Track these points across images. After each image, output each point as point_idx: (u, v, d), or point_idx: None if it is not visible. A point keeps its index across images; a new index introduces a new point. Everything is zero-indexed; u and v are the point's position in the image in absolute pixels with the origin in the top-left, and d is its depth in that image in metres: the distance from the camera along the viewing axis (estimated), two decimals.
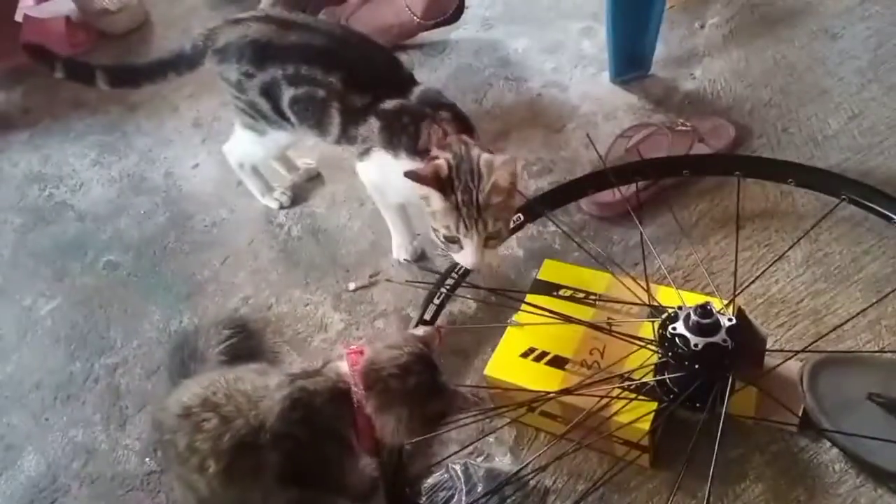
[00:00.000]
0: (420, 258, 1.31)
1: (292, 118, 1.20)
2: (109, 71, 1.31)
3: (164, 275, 1.38)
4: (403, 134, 1.09)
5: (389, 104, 1.11)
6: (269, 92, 1.19)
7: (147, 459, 1.13)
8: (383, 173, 1.16)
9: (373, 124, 1.11)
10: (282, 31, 1.17)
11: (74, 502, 1.11)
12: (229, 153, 1.38)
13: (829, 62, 1.49)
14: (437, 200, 1.02)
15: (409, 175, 1.02)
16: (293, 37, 1.16)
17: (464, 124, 1.10)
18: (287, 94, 1.17)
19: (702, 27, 1.64)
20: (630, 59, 1.51)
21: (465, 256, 1.07)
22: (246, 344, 1.22)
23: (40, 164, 1.64)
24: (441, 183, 1.01)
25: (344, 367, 0.90)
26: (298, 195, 1.46)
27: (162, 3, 2.03)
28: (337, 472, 0.90)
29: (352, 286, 1.29)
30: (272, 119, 1.23)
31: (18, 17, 1.88)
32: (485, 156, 1.03)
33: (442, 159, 1.03)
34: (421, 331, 0.93)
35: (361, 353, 0.90)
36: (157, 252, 1.42)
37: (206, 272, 1.37)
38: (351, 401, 0.86)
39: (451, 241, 1.06)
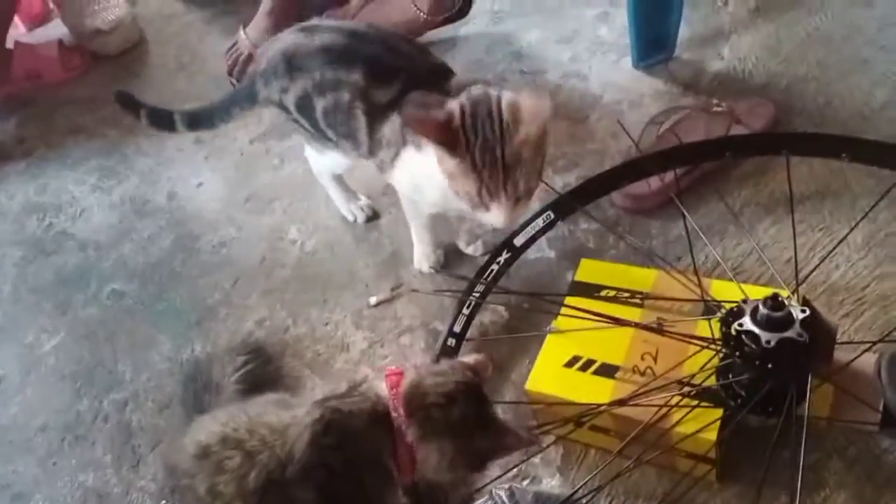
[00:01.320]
0: (443, 267, 1.22)
1: (329, 133, 1.11)
2: (186, 115, 1.30)
3: (172, 301, 1.29)
4: None
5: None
6: (304, 107, 1.10)
7: (163, 502, 1.04)
8: (414, 180, 1.05)
9: (395, 122, 1.00)
10: (308, 37, 1.08)
11: None
12: (309, 159, 1.29)
13: (867, 30, 1.39)
14: (448, 160, 0.88)
15: (409, 119, 0.87)
16: (317, 40, 1.07)
17: None
18: (318, 106, 1.08)
19: (725, 4, 1.55)
20: (653, 43, 1.42)
21: (493, 218, 0.93)
22: (263, 370, 1.13)
23: (38, 194, 1.56)
24: (451, 136, 0.86)
25: (383, 388, 0.79)
26: (312, 208, 1.37)
27: (157, 21, 1.96)
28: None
29: (373, 301, 1.21)
30: (317, 137, 1.15)
31: (10, 45, 1.82)
32: (507, 95, 0.87)
33: (454, 103, 0.88)
34: (471, 358, 0.83)
35: (401, 374, 0.80)
36: (164, 277, 1.33)
37: (217, 295, 1.28)
38: (391, 426, 0.76)
39: (475, 205, 0.93)
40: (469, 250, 1.23)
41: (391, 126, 1.01)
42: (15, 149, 1.68)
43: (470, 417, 0.76)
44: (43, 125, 1.72)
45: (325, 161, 1.23)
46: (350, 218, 1.32)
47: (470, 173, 0.88)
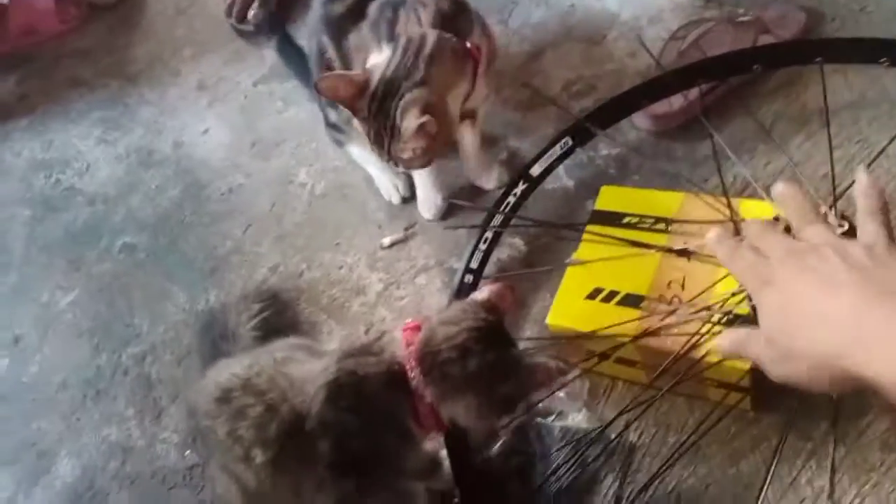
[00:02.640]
0: (447, 216, 1.17)
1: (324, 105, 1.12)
2: (280, 41, 1.37)
3: (184, 252, 1.27)
4: (382, 21, 0.96)
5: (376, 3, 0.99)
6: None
7: (187, 452, 1.04)
8: None
9: (362, 28, 0.99)
10: None
11: None
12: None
13: None
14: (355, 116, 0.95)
15: (320, 83, 0.91)
16: None
17: (455, 15, 0.96)
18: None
19: None
20: None
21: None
22: (280, 317, 1.11)
23: (43, 151, 1.53)
24: (357, 102, 0.91)
25: (400, 343, 0.75)
26: (320, 150, 1.32)
27: None
28: (395, 461, 0.78)
29: (386, 242, 1.17)
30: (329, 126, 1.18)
31: (4, 0, 1.76)
32: (406, 98, 0.89)
33: (375, 67, 0.91)
34: (486, 292, 0.77)
35: (419, 328, 0.76)
36: (175, 228, 1.30)
37: (229, 244, 1.25)
38: (409, 387, 0.73)
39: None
40: (482, 183, 1.18)
41: (357, 34, 1.00)
42: (17, 106, 1.64)
43: (489, 366, 0.71)
44: (43, 80, 1.67)
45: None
46: (387, 196, 1.21)
47: (365, 135, 0.95)
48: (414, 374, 0.73)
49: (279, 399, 0.74)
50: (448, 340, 0.72)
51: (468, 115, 1.08)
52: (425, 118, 0.87)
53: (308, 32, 1.13)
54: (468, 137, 1.12)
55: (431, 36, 0.93)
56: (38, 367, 1.20)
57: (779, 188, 0.61)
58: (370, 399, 0.73)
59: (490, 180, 1.16)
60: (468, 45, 0.96)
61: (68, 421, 1.12)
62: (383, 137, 0.92)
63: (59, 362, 1.19)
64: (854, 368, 0.47)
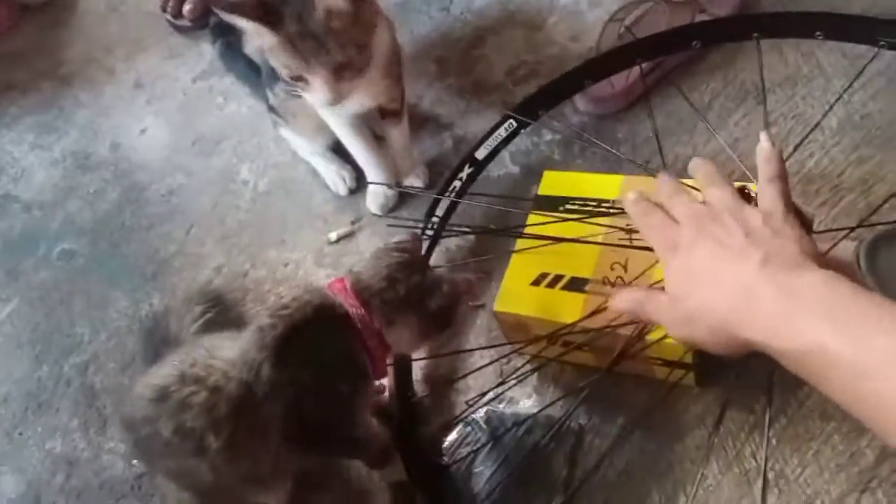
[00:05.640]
0: (394, 209, 1.15)
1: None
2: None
3: (125, 256, 1.23)
4: None
5: None
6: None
7: (134, 462, 1.01)
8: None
9: None
10: None
11: None
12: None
13: None
14: (267, 35, 0.86)
15: (224, 6, 0.85)
16: None
17: None
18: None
19: None
20: None
21: (315, 94, 0.92)
22: (224, 318, 1.07)
23: None
24: (265, 11, 0.84)
25: (328, 291, 0.79)
26: (262, 145, 1.30)
27: None
28: (347, 417, 0.80)
29: (333, 237, 1.15)
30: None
31: None
32: None
33: None
34: (395, 240, 0.84)
35: (342, 280, 0.81)
36: (114, 232, 1.27)
37: (171, 246, 1.22)
38: (349, 320, 0.77)
39: (297, 79, 0.91)
40: (410, 182, 1.16)
41: None
42: None
43: (416, 287, 0.79)
44: None
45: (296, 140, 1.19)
46: (333, 187, 1.19)
47: (287, 45, 0.87)
48: (356, 309, 0.78)
49: (223, 380, 0.74)
50: (375, 276, 0.79)
51: (390, 114, 1.07)
52: None
53: None
54: (393, 135, 1.11)
55: None
56: None
57: (693, 161, 0.66)
58: (319, 331, 0.77)
59: (416, 181, 1.15)
60: None
61: (11, 436, 1.09)
62: (304, 25, 0.85)
63: (0, 376, 1.15)
64: (742, 333, 0.52)
